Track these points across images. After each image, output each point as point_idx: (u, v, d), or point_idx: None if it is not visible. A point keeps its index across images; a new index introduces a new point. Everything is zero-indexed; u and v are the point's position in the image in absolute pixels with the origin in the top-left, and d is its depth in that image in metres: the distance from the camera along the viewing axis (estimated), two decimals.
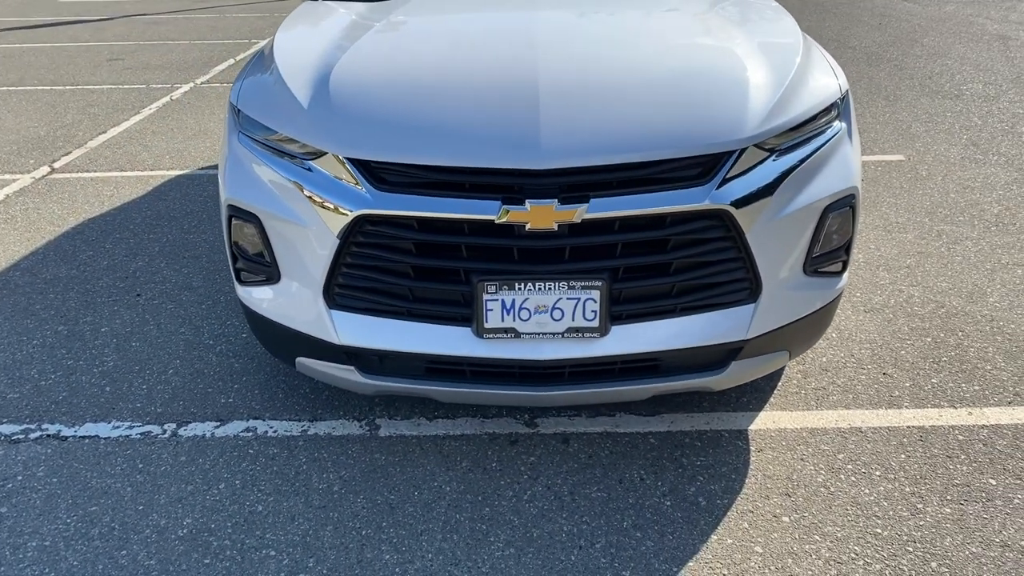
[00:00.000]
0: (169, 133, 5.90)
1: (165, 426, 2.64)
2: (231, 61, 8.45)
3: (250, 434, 2.59)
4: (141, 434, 2.60)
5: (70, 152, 5.50)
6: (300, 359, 2.38)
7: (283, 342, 2.40)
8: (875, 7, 11.69)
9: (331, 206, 2.10)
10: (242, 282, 2.43)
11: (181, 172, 5.06)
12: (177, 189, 4.77)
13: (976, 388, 2.78)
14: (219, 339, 3.15)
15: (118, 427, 2.64)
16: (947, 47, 8.70)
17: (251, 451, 2.52)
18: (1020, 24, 10.04)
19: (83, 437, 2.59)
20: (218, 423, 2.65)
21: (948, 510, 2.24)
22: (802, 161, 2.20)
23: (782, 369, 2.87)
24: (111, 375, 2.92)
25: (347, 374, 2.29)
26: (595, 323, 2.08)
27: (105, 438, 2.59)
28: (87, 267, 3.78)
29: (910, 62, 8.00)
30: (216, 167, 5.15)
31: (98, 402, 2.77)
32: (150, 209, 4.48)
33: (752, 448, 2.50)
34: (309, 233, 2.15)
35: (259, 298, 2.39)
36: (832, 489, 2.33)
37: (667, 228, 2.05)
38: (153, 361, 3.01)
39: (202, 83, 7.48)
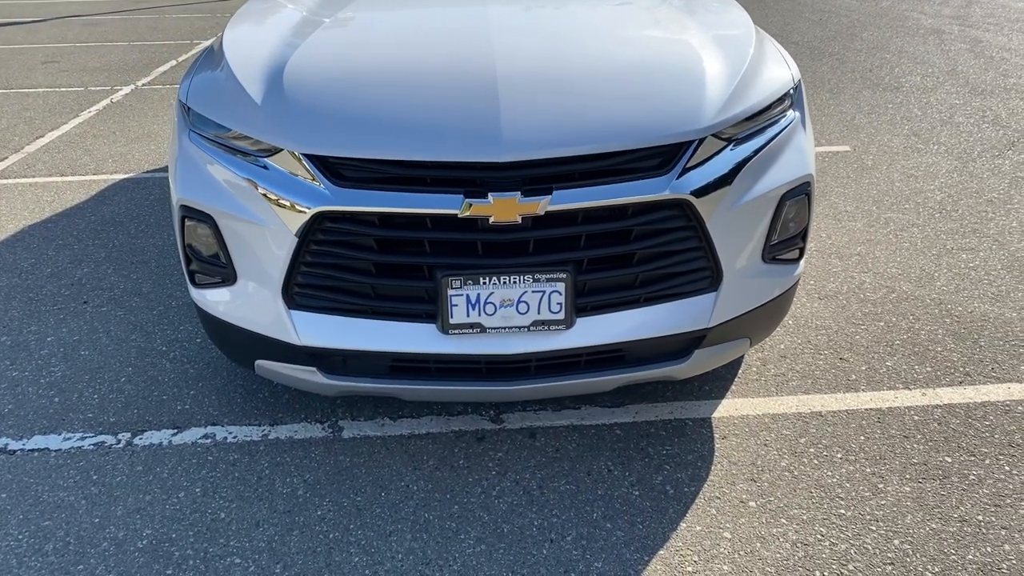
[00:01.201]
0: (111, 136, 5.73)
1: (119, 436, 2.56)
2: (173, 62, 8.24)
3: (209, 441, 2.53)
4: (94, 445, 2.52)
5: (6, 157, 5.30)
6: (259, 362, 2.32)
7: (241, 345, 2.34)
8: (815, 3, 11.96)
9: (288, 203, 2.05)
10: (196, 284, 2.36)
11: (126, 176, 4.92)
12: (122, 193, 4.64)
13: (928, 370, 2.85)
14: (173, 345, 3.06)
15: (69, 438, 2.54)
16: (885, 41, 8.94)
17: (210, 458, 2.45)
18: (953, 18, 10.37)
19: (32, 450, 2.50)
20: (175, 431, 2.58)
21: (908, 489, 2.29)
22: (758, 150, 2.22)
23: (742, 357, 2.90)
24: (59, 385, 2.82)
25: (309, 375, 2.25)
26: (560, 315, 2.07)
27: (56, 450, 2.49)
28: (29, 275, 3.65)
29: (851, 56, 8.19)
30: (163, 170, 5.02)
31: (47, 413, 2.67)
32: (94, 214, 4.34)
33: (716, 435, 2.52)
34: (266, 232, 2.10)
35: (215, 300, 2.32)
36: (796, 473, 2.36)
37: (629, 219, 2.06)
38: (104, 370, 2.91)
39: (144, 85, 7.28)
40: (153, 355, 3.00)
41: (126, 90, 7.09)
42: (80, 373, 2.89)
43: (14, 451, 2.49)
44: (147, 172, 4.99)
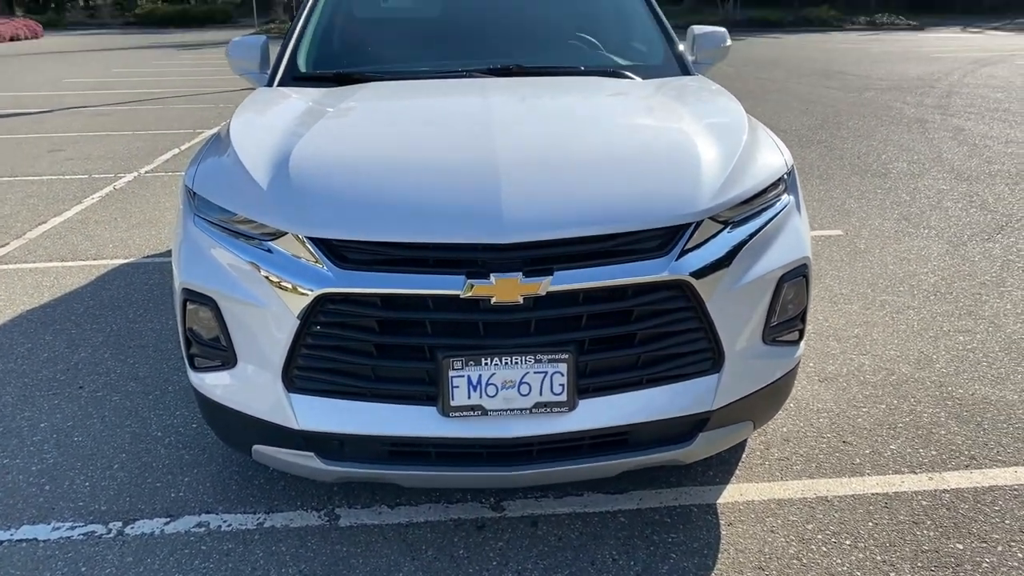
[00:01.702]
0: (112, 222, 5.80)
1: (110, 524, 2.49)
2: (176, 151, 8.41)
3: (203, 529, 2.46)
4: (84, 534, 2.44)
5: (7, 243, 5.34)
6: (256, 447, 2.29)
7: (238, 429, 2.31)
8: (801, 93, 12.35)
9: (291, 286, 2.06)
10: (196, 368, 2.35)
11: (126, 261, 4.95)
12: (121, 278, 4.65)
13: (933, 453, 2.82)
14: (168, 430, 3.01)
15: (58, 528, 2.47)
16: (871, 129, 9.20)
17: (204, 547, 2.38)
18: (935, 108, 10.70)
19: (20, 541, 2.42)
20: (168, 519, 2.51)
21: None
22: (755, 233, 2.25)
23: (745, 440, 2.87)
24: (50, 472, 2.76)
25: (307, 461, 2.21)
26: (563, 397, 2.06)
27: (44, 540, 2.42)
28: (25, 360, 3.62)
29: (838, 143, 8.41)
30: (163, 255, 5.06)
31: (36, 502, 2.60)
32: (93, 299, 4.34)
33: (722, 522, 2.47)
34: (268, 314, 2.11)
35: (213, 384, 2.31)
36: (804, 560, 2.30)
37: (630, 299, 2.07)
38: (97, 456, 2.86)
39: (146, 172, 7.41)
40: (148, 440, 2.95)
41: (129, 177, 7.21)
42: (72, 460, 2.83)
43: (1, 542, 2.42)
44: (147, 257, 5.02)
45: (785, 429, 2.97)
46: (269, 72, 3.40)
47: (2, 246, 5.29)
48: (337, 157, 2.33)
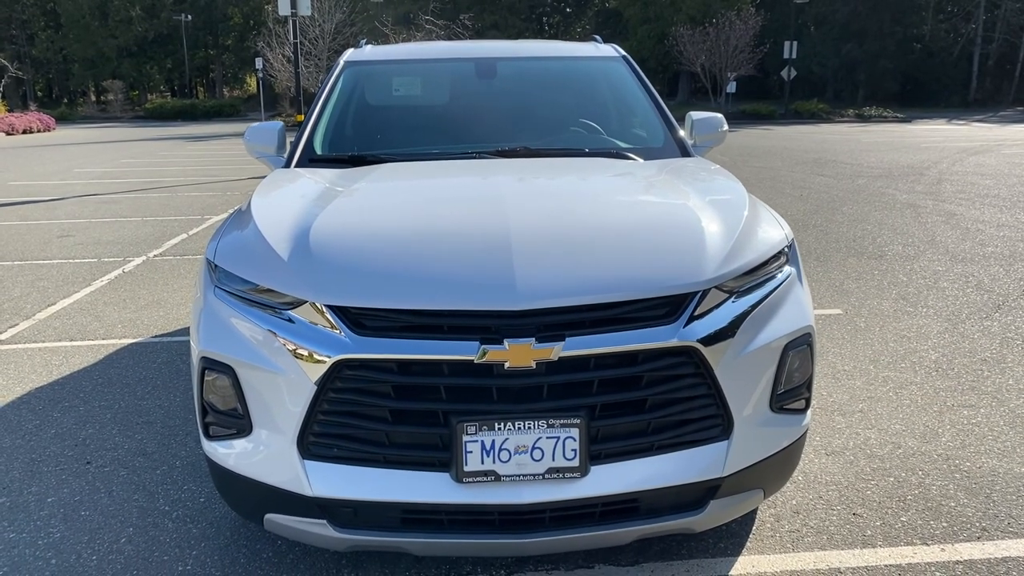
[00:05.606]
0: (121, 303, 5.87)
1: None
2: (184, 235, 8.57)
3: None
4: None
5: (16, 324, 5.40)
6: (269, 516, 2.29)
7: (251, 498, 2.32)
8: (795, 181, 12.67)
9: (309, 353, 2.12)
10: (211, 437, 2.37)
11: (134, 340, 5.00)
12: (129, 357, 4.69)
13: (944, 525, 2.81)
14: (176, 504, 3.00)
15: None
16: (864, 214, 9.41)
17: None
18: (926, 194, 10.97)
19: None
20: None
21: None
22: (759, 302, 2.32)
23: (755, 513, 2.86)
24: (57, 547, 2.74)
25: (319, 529, 2.21)
26: (575, 463, 2.08)
27: None
28: (33, 436, 3.63)
29: (834, 227, 8.59)
30: (171, 334, 5.11)
31: None
32: (101, 376, 4.37)
33: None
34: (286, 381, 2.15)
35: (227, 452, 2.33)
36: None
37: (640, 365, 2.12)
38: (104, 530, 2.84)
39: (155, 256, 7.54)
40: (155, 515, 2.93)
41: (137, 261, 7.33)
42: (79, 534, 2.82)
43: None
44: (155, 336, 5.07)
45: (795, 501, 2.97)
46: (287, 155, 3.54)
47: (12, 326, 5.34)
48: (355, 230, 2.43)
